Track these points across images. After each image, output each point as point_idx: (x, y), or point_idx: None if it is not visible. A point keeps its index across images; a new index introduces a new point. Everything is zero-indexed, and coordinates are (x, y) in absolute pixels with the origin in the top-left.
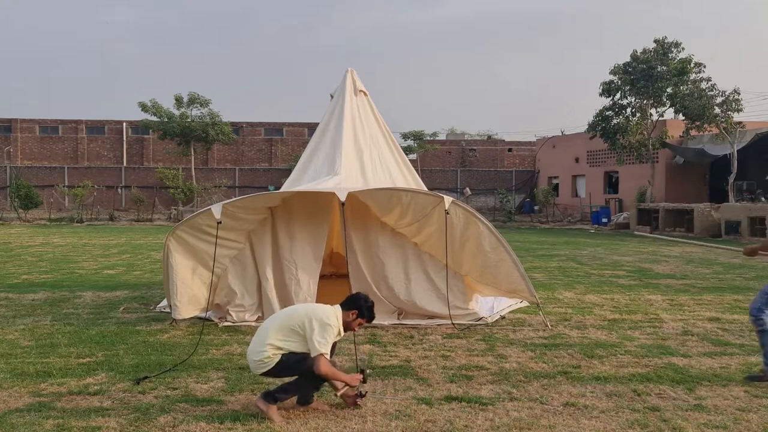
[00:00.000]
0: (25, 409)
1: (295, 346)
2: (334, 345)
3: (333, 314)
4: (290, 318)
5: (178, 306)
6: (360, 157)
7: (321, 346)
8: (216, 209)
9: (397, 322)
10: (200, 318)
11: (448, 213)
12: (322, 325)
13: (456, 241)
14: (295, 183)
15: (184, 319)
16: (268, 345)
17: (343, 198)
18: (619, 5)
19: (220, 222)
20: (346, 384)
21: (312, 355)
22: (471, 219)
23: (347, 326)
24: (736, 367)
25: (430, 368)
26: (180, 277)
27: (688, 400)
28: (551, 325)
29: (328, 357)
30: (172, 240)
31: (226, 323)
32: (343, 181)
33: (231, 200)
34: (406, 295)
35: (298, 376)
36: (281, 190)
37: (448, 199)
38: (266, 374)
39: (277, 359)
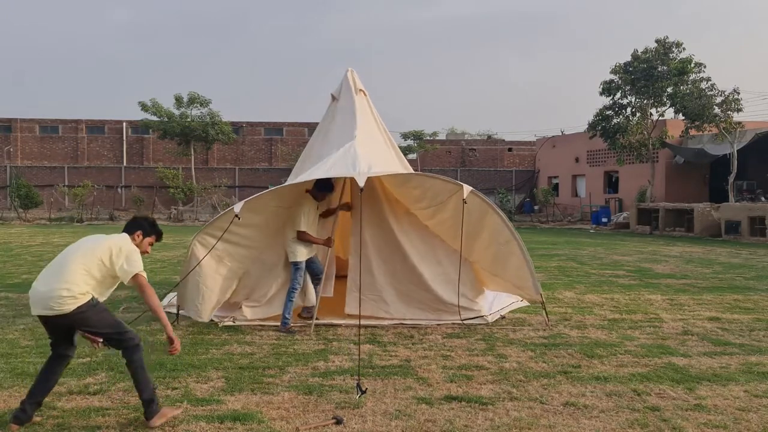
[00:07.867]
0: None
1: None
2: None
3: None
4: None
5: (199, 307)
6: (373, 142)
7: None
8: (237, 206)
9: (398, 321)
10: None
11: (465, 202)
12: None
13: (471, 231)
14: (311, 172)
15: (189, 318)
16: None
17: (362, 183)
18: (620, 5)
19: (239, 218)
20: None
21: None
22: (488, 210)
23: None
24: (736, 367)
25: (430, 368)
26: (205, 280)
27: (688, 400)
28: (551, 325)
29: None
30: (197, 244)
31: (227, 323)
32: (361, 156)
33: (253, 196)
34: (422, 282)
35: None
36: (293, 181)
37: (467, 188)
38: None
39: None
